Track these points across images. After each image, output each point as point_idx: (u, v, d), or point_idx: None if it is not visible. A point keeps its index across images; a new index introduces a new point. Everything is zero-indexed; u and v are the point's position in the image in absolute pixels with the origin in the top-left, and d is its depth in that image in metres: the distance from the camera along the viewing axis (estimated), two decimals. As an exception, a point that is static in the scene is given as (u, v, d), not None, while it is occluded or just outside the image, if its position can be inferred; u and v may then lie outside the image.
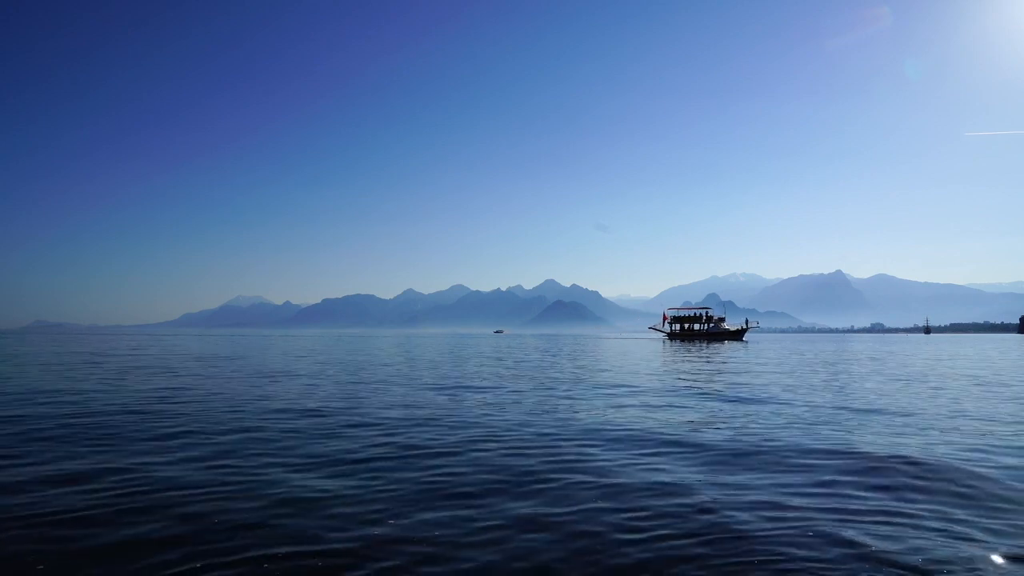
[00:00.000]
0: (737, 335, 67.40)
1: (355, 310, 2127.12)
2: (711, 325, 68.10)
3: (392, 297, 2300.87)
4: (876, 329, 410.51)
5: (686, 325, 69.91)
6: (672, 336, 69.86)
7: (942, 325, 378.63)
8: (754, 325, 71.03)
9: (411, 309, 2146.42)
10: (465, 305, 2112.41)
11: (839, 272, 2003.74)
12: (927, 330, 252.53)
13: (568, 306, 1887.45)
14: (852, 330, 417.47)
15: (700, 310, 70.64)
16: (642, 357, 26.76)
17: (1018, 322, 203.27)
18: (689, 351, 34.24)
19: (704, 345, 45.58)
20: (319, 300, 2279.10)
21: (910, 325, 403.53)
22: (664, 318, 72.01)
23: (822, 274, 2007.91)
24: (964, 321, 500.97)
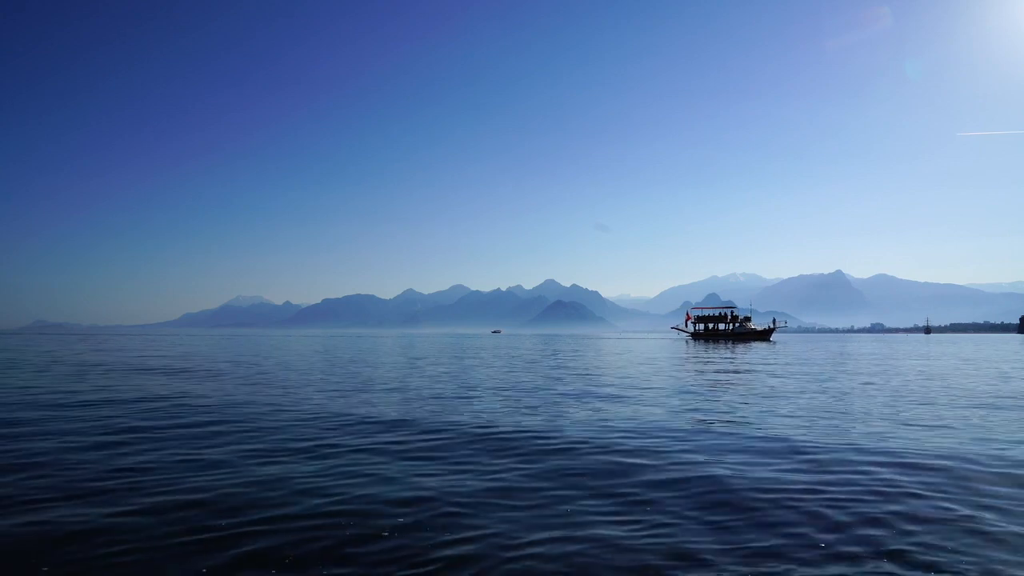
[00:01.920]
0: (764, 335, 64.88)
1: (355, 310, 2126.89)
2: (737, 325, 65.78)
3: (392, 297, 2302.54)
4: (876, 329, 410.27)
5: (710, 325, 67.51)
6: (696, 336, 67.43)
7: (942, 325, 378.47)
8: (782, 325, 68.48)
9: (411, 309, 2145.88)
10: (465, 305, 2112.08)
11: (839, 272, 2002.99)
12: (927, 330, 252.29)
13: (568, 306, 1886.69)
14: (852, 330, 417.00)
15: (725, 309, 68.02)
16: (693, 368, 20.34)
17: (1018, 322, 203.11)
18: (733, 355, 29.56)
19: (734, 346, 43.06)
20: (319, 300, 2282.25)
21: (910, 325, 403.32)
22: (687, 317, 69.65)
23: (822, 274, 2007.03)
24: (964, 321, 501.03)
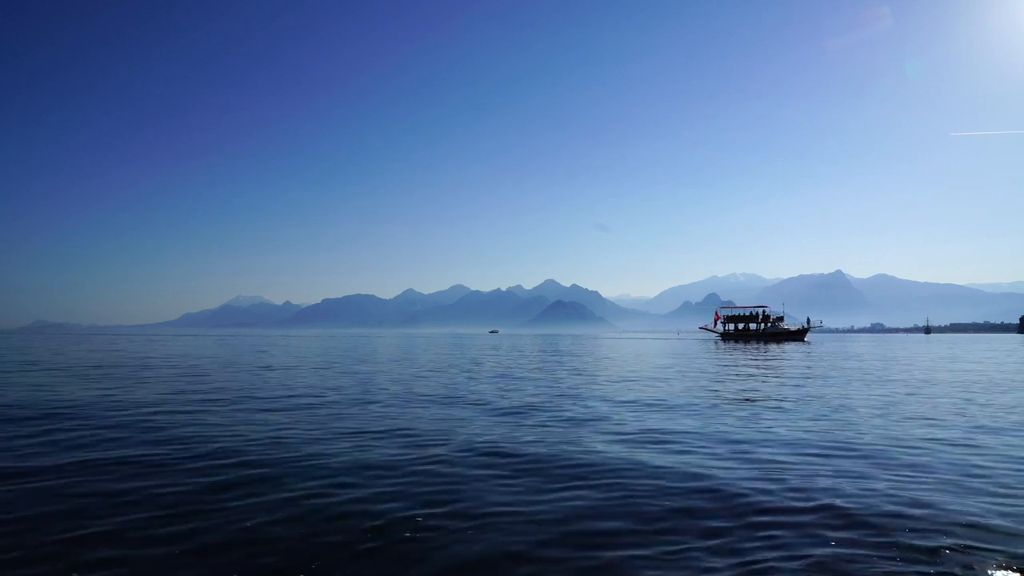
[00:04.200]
0: (798, 335, 63.28)
1: (355, 310, 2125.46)
2: (769, 325, 64.31)
3: (392, 297, 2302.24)
4: (876, 329, 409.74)
5: (740, 325, 66.19)
6: (726, 336, 65.94)
7: (942, 325, 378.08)
8: (817, 324, 66.52)
9: (411, 309, 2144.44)
10: (465, 305, 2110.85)
11: (839, 272, 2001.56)
12: (927, 330, 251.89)
13: (568, 306, 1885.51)
14: (852, 330, 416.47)
15: (756, 308, 66.53)
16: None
17: (1018, 322, 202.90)
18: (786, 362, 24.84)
19: (767, 347, 41.10)
20: (319, 300, 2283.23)
21: (910, 325, 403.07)
22: (716, 317, 68.31)
23: (822, 274, 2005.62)
24: (964, 321, 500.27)
